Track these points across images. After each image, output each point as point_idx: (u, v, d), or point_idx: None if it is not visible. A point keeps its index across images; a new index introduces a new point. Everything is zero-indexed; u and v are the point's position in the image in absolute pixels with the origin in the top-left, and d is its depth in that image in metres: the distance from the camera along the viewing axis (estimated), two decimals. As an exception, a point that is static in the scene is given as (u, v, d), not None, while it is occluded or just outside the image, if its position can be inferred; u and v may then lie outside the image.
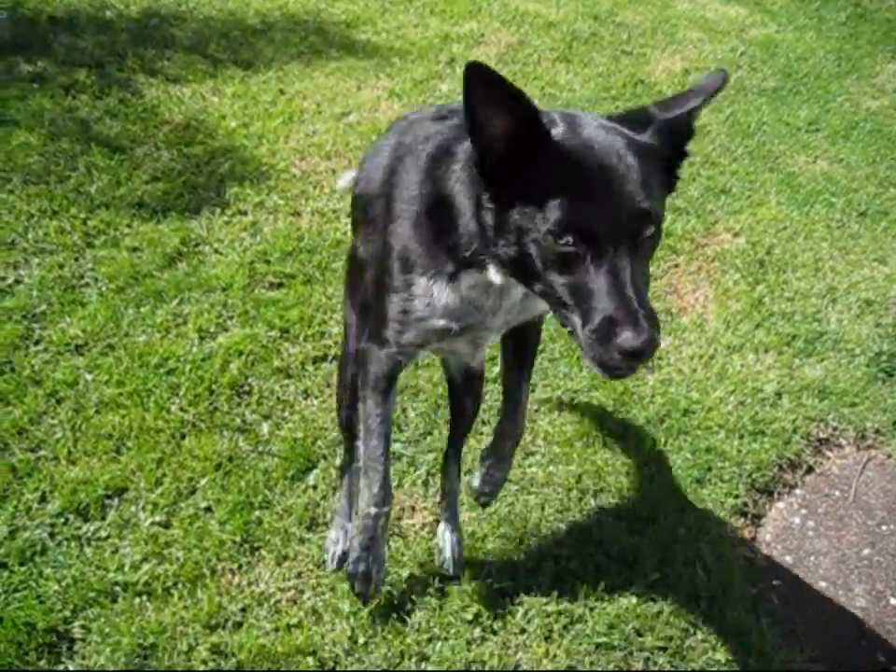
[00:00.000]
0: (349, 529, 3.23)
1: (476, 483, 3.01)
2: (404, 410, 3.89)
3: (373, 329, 2.49)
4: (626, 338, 1.72)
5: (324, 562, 3.24)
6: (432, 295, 2.25)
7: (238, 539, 3.28)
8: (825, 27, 8.47)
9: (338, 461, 3.55)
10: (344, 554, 3.14)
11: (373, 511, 2.61)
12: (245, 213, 4.90)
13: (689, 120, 2.00)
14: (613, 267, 1.77)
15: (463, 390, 3.17)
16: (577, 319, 1.83)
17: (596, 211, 1.79)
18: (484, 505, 3.18)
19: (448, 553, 3.29)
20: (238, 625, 3.04)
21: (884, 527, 3.84)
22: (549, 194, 1.80)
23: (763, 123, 6.60)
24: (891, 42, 8.30)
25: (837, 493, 3.97)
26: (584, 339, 1.82)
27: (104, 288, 4.26)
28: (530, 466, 3.74)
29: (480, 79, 1.76)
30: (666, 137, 1.96)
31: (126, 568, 3.13)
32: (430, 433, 3.82)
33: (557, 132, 1.87)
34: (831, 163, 6.25)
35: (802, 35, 8.23)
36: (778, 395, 4.29)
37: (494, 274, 2.12)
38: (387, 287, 2.34)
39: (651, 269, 4.60)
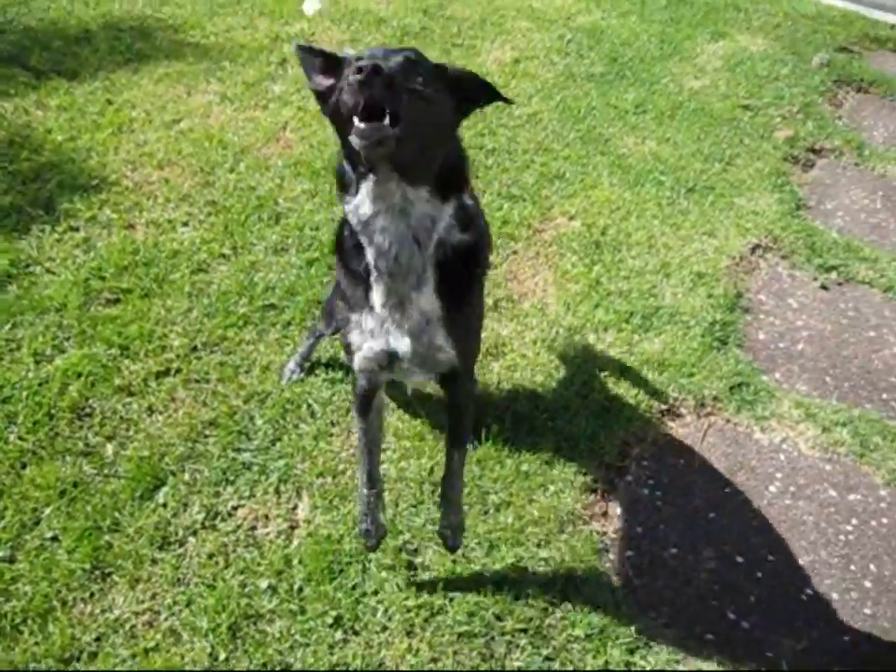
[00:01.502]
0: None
1: (438, 527, 3.27)
2: (252, 418, 3.86)
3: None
4: (351, 70, 2.04)
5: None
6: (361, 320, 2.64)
7: (88, 566, 3.21)
8: (647, 12, 8.72)
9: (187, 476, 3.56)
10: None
11: (364, 490, 3.09)
12: (76, 229, 4.77)
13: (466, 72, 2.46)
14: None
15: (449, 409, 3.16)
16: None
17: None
18: (452, 549, 3.30)
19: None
20: (93, 655, 2.98)
21: (727, 489, 3.99)
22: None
23: (592, 108, 6.76)
24: (710, 24, 8.60)
25: (682, 461, 4.11)
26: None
27: (-71, 318, 4.10)
28: (382, 463, 3.75)
29: (306, 54, 2.40)
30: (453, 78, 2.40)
31: (-31, 609, 3.03)
32: (279, 439, 3.79)
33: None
34: (658, 143, 6.45)
35: (626, 21, 8.45)
36: (620, 371, 4.41)
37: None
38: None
39: (491, 257, 4.71)
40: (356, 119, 2.07)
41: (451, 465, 3.10)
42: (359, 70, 2.01)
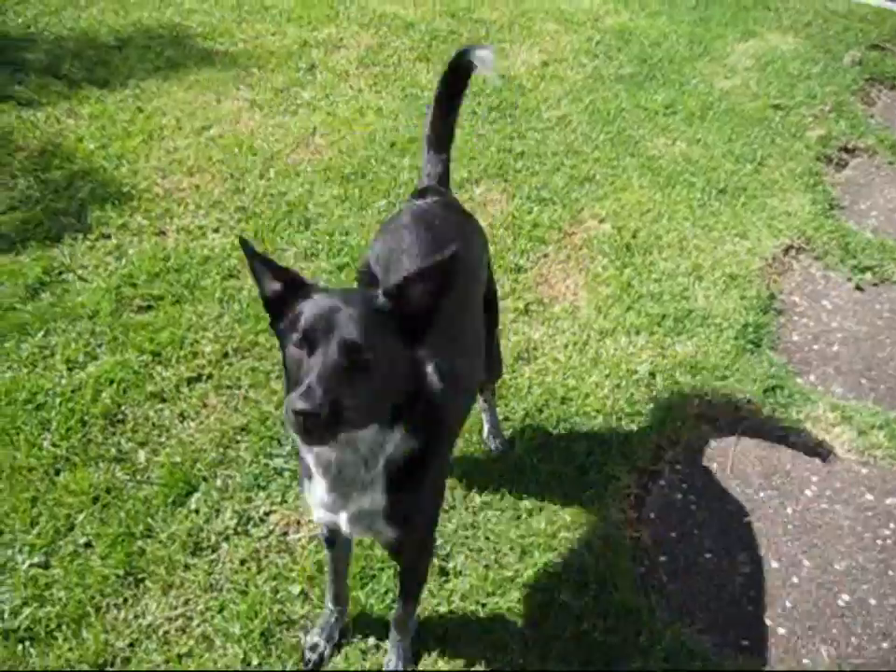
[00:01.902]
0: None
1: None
2: (283, 423, 3.86)
3: None
4: (293, 400, 2.00)
5: None
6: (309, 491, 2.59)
7: (121, 572, 3.22)
8: (676, 12, 8.68)
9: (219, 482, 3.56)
10: None
11: (330, 606, 3.10)
12: (108, 236, 4.80)
13: (403, 285, 2.29)
14: (316, 360, 2.10)
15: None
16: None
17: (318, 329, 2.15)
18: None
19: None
20: (127, 661, 2.99)
21: (761, 494, 3.95)
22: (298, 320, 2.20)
23: (622, 110, 6.74)
24: (740, 23, 8.55)
25: (715, 465, 4.08)
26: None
27: (-37, 326, 4.14)
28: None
29: (255, 262, 2.33)
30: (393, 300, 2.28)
31: (6, 615, 3.05)
32: (311, 444, 3.79)
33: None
34: (689, 144, 6.41)
35: (655, 21, 8.42)
36: (652, 375, 4.38)
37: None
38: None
39: (522, 261, 4.70)
40: (293, 394, 2.05)
41: (399, 614, 3.03)
42: (296, 413, 2.00)
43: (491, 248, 4.93)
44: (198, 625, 3.11)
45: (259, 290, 2.38)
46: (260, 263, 2.32)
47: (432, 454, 2.58)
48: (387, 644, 3.09)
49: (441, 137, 3.56)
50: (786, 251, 5.45)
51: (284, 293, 2.31)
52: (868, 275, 5.33)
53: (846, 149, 6.69)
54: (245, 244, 2.30)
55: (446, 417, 2.71)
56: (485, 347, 3.32)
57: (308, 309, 2.20)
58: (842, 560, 3.68)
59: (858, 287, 5.26)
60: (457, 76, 3.49)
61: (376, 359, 2.14)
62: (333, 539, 2.93)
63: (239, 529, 3.44)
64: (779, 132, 6.72)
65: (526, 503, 3.66)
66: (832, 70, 7.76)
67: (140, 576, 3.23)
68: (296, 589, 3.24)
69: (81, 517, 3.39)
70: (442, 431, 2.70)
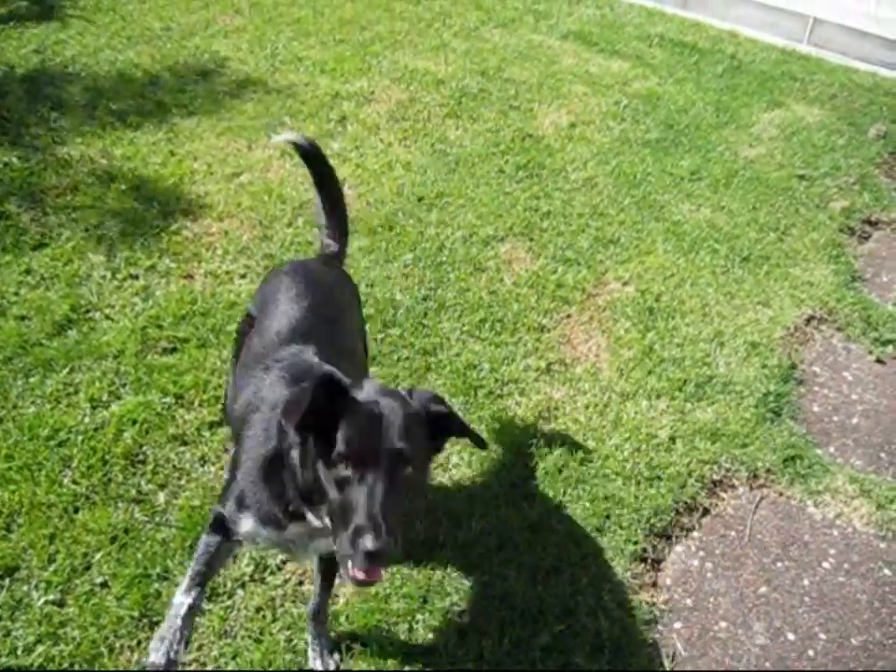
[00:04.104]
0: None
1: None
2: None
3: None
4: (366, 540, 2.10)
5: None
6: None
7: (136, 613, 3.21)
8: (704, 79, 8.76)
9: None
10: None
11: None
12: (136, 277, 4.85)
13: (448, 417, 2.49)
14: (370, 489, 2.17)
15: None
16: (341, 532, 2.23)
17: (364, 447, 2.23)
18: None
19: None
20: (138, 704, 2.98)
21: (779, 564, 3.93)
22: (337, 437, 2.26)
23: (647, 174, 6.79)
24: (766, 93, 8.63)
25: (733, 533, 4.06)
26: (339, 544, 2.23)
27: (-10, 359, 4.17)
28: (431, 524, 3.74)
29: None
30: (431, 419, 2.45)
31: (19, 651, 3.05)
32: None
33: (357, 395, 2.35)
34: (713, 211, 6.45)
35: (682, 88, 8.50)
36: (672, 439, 4.38)
37: (313, 519, 2.53)
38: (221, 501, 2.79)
39: (545, 320, 4.71)
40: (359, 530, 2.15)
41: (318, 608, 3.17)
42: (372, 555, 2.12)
43: (514, 306, 5.00)
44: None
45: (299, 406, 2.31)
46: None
47: None
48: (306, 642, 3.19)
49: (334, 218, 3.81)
50: (808, 321, 5.47)
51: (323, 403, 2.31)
52: (889, 349, 5.33)
53: (868, 222, 6.72)
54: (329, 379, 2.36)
55: None
56: None
57: (349, 426, 2.26)
58: (859, 635, 3.65)
59: (879, 360, 5.26)
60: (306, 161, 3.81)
61: (417, 470, 2.31)
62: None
63: (255, 577, 3.43)
64: (803, 202, 6.76)
65: (544, 563, 3.65)
66: (856, 142, 7.82)
67: (155, 618, 3.21)
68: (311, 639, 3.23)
69: (98, 556, 3.39)
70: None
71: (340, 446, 2.22)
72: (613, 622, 3.47)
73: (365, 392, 2.37)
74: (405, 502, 2.27)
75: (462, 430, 2.55)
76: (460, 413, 2.54)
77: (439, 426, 2.47)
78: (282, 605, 3.35)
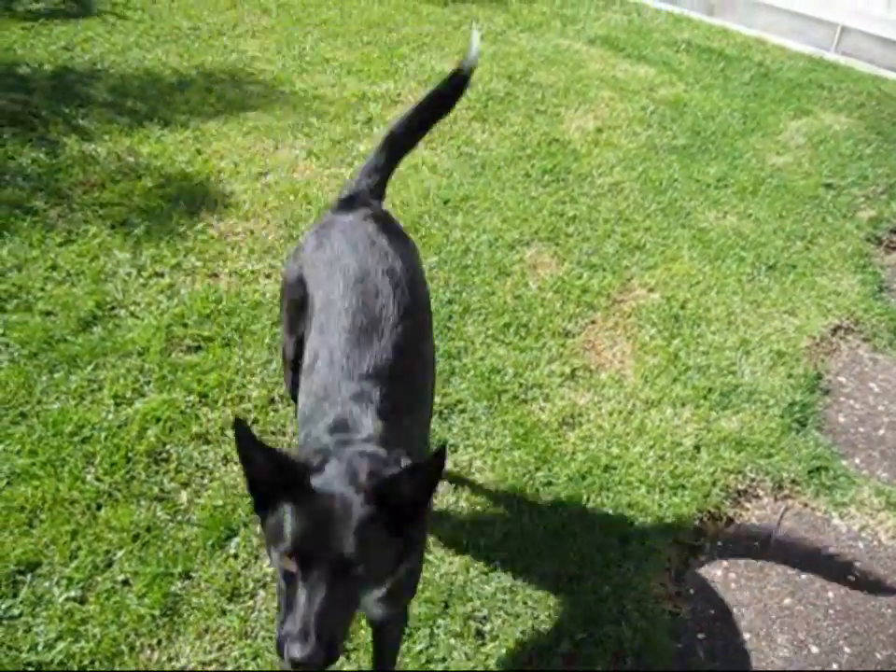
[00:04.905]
0: None
1: None
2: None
3: None
4: (293, 649, 2.04)
5: None
6: None
7: (157, 612, 3.21)
8: (731, 86, 8.72)
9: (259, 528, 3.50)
10: None
11: None
12: (161, 275, 4.85)
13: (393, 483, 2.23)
14: (310, 592, 2.09)
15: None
16: (279, 625, 2.18)
17: (309, 547, 2.14)
18: None
19: None
20: (158, 703, 2.97)
21: (803, 576, 3.90)
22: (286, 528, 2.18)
23: (674, 180, 6.76)
24: (794, 100, 8.57)
25: (757, 543, 4.03)
26: (277, 633, 2.17)
27: (15, 354, 4.17)
28: (453, 528, 3.73)
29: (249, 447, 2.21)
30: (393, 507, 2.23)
31: (40, 648, 3.04)
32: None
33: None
34: (740, 218, 6.41)
35: (709, 95, 8.46)
36: (697, 448, 4.35)
37: None
38: None
39: (570, 325, 4.68)
40: (288, 634, 2.08)
41: None
42: (296, 664, 2.05)
43: (539, 311, 4.98)
44: None
45: (244, 471, 2.27)
46: (254, 448, 2.21)
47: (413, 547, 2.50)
48: None
49: (403, 144, 3.52)
50: (834, 331, 5.42)
51: (273, 479, 2.21)
52: (917, 361, 5.29)
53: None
54: (239, 424, 2.18)
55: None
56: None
57: (297, 519, 2.17)
58: (884, 650, 3.61)
59: (906, 372, 5.22)
60: (455, 85, 3.48)
61: (369, 571, 2.17)
62: None
63: (277, 577, 3.42)
64: (830, 211, 6.71)
65: (567, 570, 3.63)
66: (884, 151, 7.76)
67: (176, 618, 3.22)
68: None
69: (120, 554, 3.39)
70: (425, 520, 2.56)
71: (286, 541, 2.14)
72: (636, 631, 3.45)
73: (323, 478, 2.23)
74: (355, 601, 2.18)
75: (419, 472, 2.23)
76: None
77: (402, 513, 2.23)
78: (303, 606, 3.33)
